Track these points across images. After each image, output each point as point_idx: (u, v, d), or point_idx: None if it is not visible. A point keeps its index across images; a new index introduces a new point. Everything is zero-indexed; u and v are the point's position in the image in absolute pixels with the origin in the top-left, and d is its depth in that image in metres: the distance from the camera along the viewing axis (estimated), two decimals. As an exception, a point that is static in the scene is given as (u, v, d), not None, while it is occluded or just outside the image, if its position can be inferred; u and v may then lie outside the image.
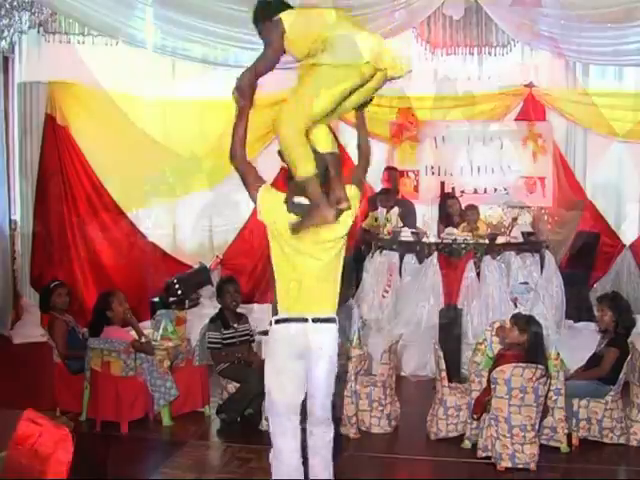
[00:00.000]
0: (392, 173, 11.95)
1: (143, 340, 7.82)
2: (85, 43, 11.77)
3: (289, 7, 5.14)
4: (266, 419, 7.36)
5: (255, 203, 5.29)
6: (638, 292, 12.30)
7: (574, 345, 8.96)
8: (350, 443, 7.28)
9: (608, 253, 12.59)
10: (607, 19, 10.46)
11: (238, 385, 7.85)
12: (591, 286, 12.18)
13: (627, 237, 12.74)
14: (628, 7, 10.30)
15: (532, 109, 12.57)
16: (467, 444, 7.05)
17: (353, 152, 5.84)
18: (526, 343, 6.89)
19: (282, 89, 12.12)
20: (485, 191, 12.33)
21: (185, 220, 12.83)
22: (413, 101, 12.24)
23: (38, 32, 11.54)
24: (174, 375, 7.77)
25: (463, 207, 11.10)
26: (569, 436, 7.11)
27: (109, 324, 7.83)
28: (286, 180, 5.24)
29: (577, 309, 10.89)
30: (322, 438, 5.08)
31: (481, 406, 6.81)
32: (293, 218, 5.02)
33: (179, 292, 10.76)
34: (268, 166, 12.54)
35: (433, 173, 12.15)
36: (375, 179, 12.03)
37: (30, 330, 10.79)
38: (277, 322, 5.03)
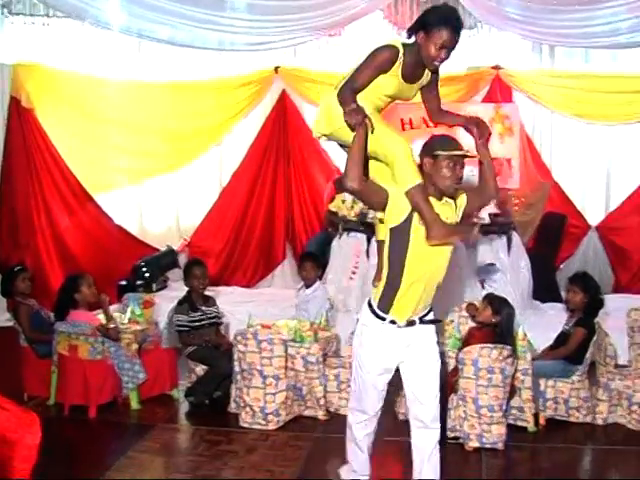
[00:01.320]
0: None
1: (112, 325, 7.75)
2: (50, 25, 11.68)
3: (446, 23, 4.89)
4: (234, 401, 7.41)
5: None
6: (604, 273, 12.39)
7: (541, 325, 9.03)
8: (319, 425, 7.33)
9: (574, 234, 12.66)
10: (575, 1, 10.48)
11: (206, 368, 7.86)
12: (558, 267, 12.27)
13: (593, 218, 12.83)
14: (595, -11, 10.34)
15: (499, 91, 12.58)
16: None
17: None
18: (498, 324, 6.95)
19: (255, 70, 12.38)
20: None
21: (152, 203, 12.76)
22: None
23: (2, 14, 11.44)
24: (142, 358, 7.75)
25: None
26: (536, 416, 7.17)
27: (76, 307, 7.77)
28: None
29: (544, 290, 10.96)
30: None
31: (449, 387, 6.84)
32: None
33: (146, 275, 10.76)
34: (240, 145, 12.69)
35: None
36: (341, 162, 12.05)
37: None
38: None
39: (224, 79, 12.60)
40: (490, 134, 5.08)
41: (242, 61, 12.54)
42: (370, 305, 5.18)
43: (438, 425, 5.25)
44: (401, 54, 4.94)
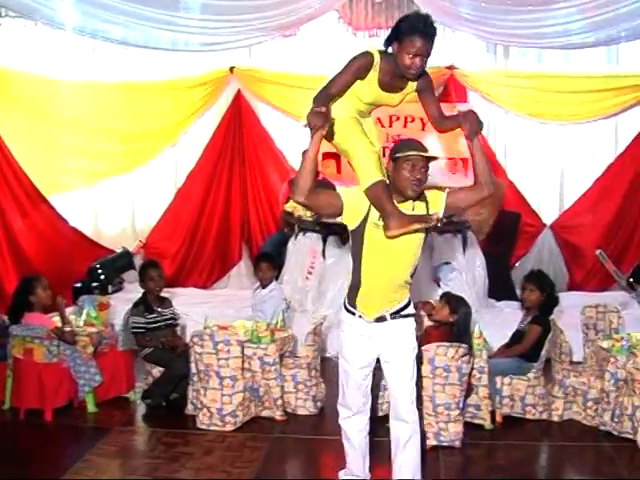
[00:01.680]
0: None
1: (67, 328, 7.67)
2: (2, 25, 11.57)
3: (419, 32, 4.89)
4: (192, 403, 7.38)
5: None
6: (558, 270, 12.52)
7: (496, 323, 9.11)
8: (276, 425, 7.32)
9: (529, 233, 12.78)
10: (528, 2, 10.55)
11: (163, 370, 7.82)
12: (513, 265, 12.37)
13: (548, 217, 12.96)
14: (549, -10, 10.43)
15: (454, 91, 12.64)
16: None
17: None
18: (455, 323, 6.99)
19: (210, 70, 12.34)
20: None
21: (107, 204, 12.67)
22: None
23: (-47, 13, 11.32)
24: (98, 361, 7.69)
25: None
26: (493, 413, 7.23)
27: (31, 310, 7.69)
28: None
29: (499, 288, 11.04)
30: None
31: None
32: None
33: (102, 277, 10.69)
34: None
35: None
36: (296, 162, 12.07)
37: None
38: None
39: (179, 79, 12.55)
40: (481, 128, 5.04)
41: (197, 61, 12.50)
42: (344, 300, 5.29)
43: (413, 418, 5.30)
44: (377, 61, 4.95)
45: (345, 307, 5.28)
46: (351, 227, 5.05)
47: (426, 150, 5.01)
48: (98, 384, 7.63)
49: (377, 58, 4.95)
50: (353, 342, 5.26)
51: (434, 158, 5.09)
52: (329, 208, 5.13)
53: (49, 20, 10.50)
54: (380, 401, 7.11)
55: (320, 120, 4.77)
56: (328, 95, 4.93)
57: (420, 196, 5.03)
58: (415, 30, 4.84)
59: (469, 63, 12.74)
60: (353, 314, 5.21)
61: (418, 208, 5.02)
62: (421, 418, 5.74)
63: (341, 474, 5.73)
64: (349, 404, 5.42)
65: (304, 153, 5.00)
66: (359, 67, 4.95)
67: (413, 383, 5.28)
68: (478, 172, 5.10)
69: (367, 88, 5.05)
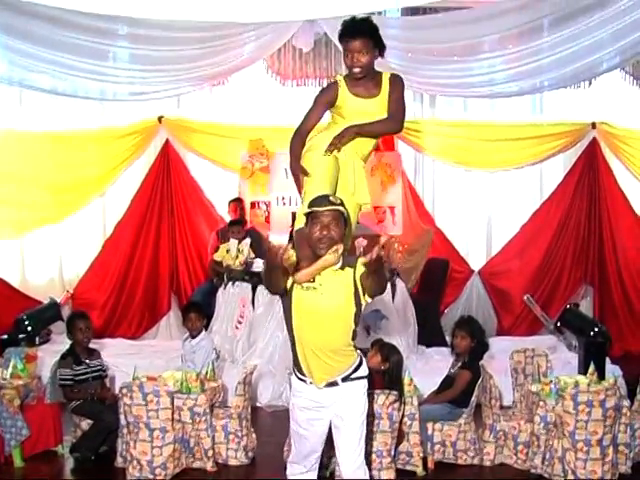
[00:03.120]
0: (238, 204, 11.91)
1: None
2: None
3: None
4: (121, 456, 7.27)
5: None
6: (487, 316, 12.62)
7: (426, 370, 9.14)
8: (208, 477, 7.23)
9: (458, 279, 12.89)
10: (453, 52, 10.75)
11: (92, 422, 7.70)
12: (442, 311, 12.45)
13: (476, 263, 13.10)
14: (472, 42, 10.62)
15: (381, 139, 12.71)
16: (325, 472, 7.03)
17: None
18: (387, 370, 7.00)
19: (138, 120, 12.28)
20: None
21: (34, 254, 12.52)
22: (264, 132, 12.27)
23: None
24: (25, 414, 7.54)
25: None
26: (425, 459, 7.22)
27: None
28: None
29: (429, 334, 11.09)
30: None
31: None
32: None
33: (29, 328, 10.48)
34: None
35: (284, 204, 12.13)
36: (225, 211, 12.11)
37: None
38: None
39: (107, 129, 12.50)
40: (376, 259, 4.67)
41: (125, 111, 12.47)
42: (292, 367, 5.18)
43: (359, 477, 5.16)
44: (340, 79, 5.44)
45: (295, 374, 5.14)
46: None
47: (335, 203, 4.91)
48: (25, 438, 7.48)
49: (340, 77, 5.44)
50: (305, 412, 5.14)
51: (337, 211, 4.91)
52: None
53: (-25, 70, 10.43)
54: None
55: (337, 259, 4.82)
56: (300, 132, 5.32)
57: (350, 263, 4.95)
58: (343, 33, 5.35)
59: (396, 112, 12.85)
60: (304, 381, 5.06)
61: (346, 275, 4.94)
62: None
63: None
64: (302, 462, 5.31)
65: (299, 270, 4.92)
66: (324, 94, 5.43)
67: (362, 445, 5.15)
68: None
69: (343, 100, 5.40)
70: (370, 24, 5.43)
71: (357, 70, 5.31)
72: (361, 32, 5.31)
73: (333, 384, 5.01)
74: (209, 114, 12.73)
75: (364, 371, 5.15)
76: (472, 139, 12.91)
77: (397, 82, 5.58)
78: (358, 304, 4.94)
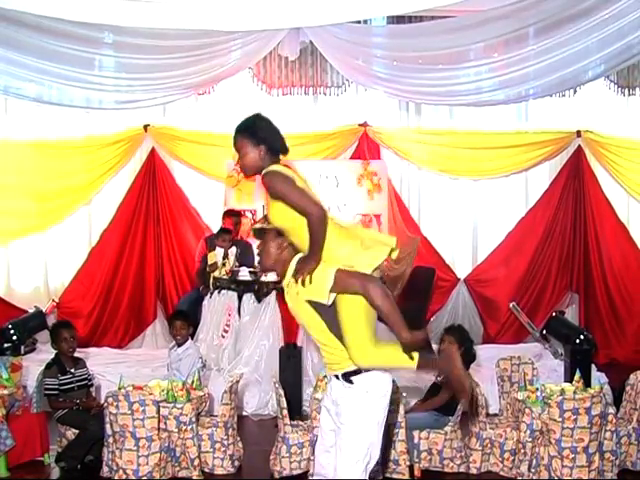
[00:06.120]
0: (235, 219, 11.68)
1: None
2: None
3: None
4: (107, 465, 7.23)
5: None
6: (473, 324, 12.64)
7: (412, 378, 9.11)
8: (193, 486, 7.21)
9: (444, 287, 12.90)
10: (439, 61, 10.75)
11: (77, 431, 7.68)
12: (428, 320, 12.45)
13: (462, 271, 13.12)
14: (459, 50, 10.62)
15: (367, 148, 12.78)
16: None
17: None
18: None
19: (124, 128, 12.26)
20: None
21: (20, 263, 12.52)
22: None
23: None
24: (10, 424, 7.50)
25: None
26: (411, 468, 7.23)
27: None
28: None
29: (415, 343, 11.07)
30: None
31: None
32: None
33: (14, 338, 10.44)
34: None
35: (270, 212, 12.08)
36: (215, 220, 12.06)
37: None
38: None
39: (93, 137, 12.48)
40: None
41: (111, 119, 12.45)
42: None
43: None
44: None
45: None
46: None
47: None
48: (10, 448, 7.43)
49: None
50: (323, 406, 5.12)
51: (262, 230, 4.95)
52: None
53: (-41, 78, 10.39)
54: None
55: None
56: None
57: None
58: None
59: (382, 120, 12.93)
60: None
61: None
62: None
63: None
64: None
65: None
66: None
67: (350, 452, 4.89)
68: None
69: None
70: (246, 121, 5.19)
71: (239, 168, 5.04)
72: (240, 131, 5.11)
73: (335, 377, 4.97)
74: (195, 123, 12.72)
75: (368, 379, 4.95)
76: (458, 147, 12.93)
77: (266, 182, 4.93)
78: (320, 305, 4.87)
